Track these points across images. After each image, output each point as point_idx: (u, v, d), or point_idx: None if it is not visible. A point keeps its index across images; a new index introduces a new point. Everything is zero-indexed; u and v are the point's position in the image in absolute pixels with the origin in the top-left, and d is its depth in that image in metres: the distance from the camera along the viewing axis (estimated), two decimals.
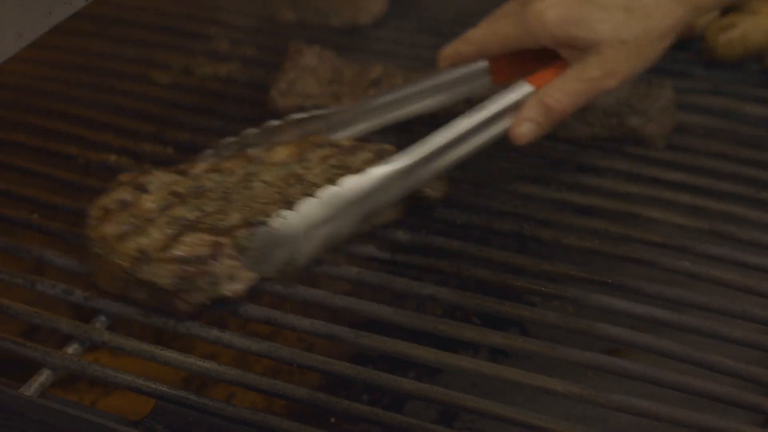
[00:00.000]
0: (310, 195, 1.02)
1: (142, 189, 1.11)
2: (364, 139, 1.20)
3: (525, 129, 1.08)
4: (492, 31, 1.14)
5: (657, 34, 1.07)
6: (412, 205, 1.17)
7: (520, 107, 1.09)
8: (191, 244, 1.04)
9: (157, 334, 1.25)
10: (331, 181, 1.06)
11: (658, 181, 1.27)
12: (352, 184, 1.03)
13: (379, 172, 1.04)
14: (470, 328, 1.03)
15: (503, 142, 1.29)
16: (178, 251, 1.03)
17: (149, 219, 1.07)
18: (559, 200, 1.23)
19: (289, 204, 1.05)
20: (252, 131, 1.21)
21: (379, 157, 1.14)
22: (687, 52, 1.54)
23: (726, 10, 1.56)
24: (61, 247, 1.17)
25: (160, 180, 1.13)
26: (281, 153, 1.17)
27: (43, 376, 1.00)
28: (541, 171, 1.28)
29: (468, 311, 1.15)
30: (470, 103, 1.16)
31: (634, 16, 1.06)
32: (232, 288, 1.04)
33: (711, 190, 1.25)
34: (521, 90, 1.10)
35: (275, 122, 1.21)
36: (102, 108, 1.44)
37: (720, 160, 1.31)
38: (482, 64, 1.17)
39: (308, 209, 1.02)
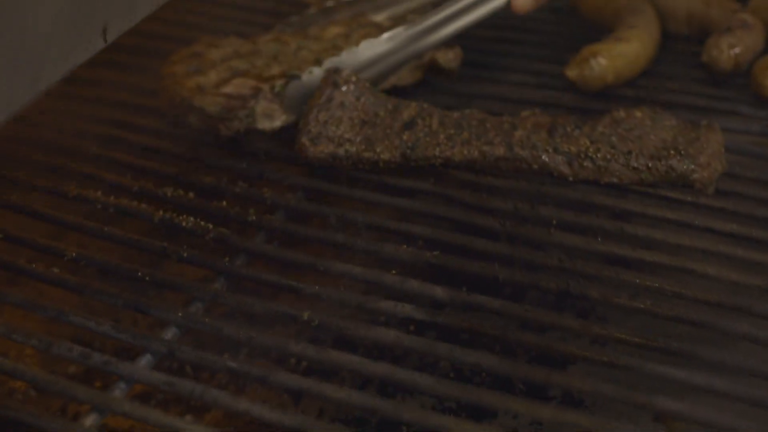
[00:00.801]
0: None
1: (214, 46, 1.44)
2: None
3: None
4: None
5: None
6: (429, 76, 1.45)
7: None
8: (237, 85, 1.34)
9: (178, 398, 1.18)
10: None
11: (710, 231, 1.19)
12: (369, 43, 1.36)
13: (392, 34, 1.36)
14: (517, 401, 0.96)
15: (544, 191, 1.23)
16: (227, 89, 1.33)
17: (211, 65, 1.38)
18: (606, 253, 1.15)
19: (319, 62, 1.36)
20: (311, 12, 1.54)
21: None
22: (733, 89, 1.47)
23: None
24: (79, 303, 1.11)
25: (230, 42, 1.45)
26: (332, 31, 1.46)
27: None
28: (584, 219, 1.20)
29: (516, 380, 1.07)
30: None
31: None
32: (266, 124, 1.32)
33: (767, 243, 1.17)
34: None
35: (330, 3, 1.55)
36: (122, 147, 1.37)
37: None
38: None
39: (331, 65, 1.32)
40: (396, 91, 1.40)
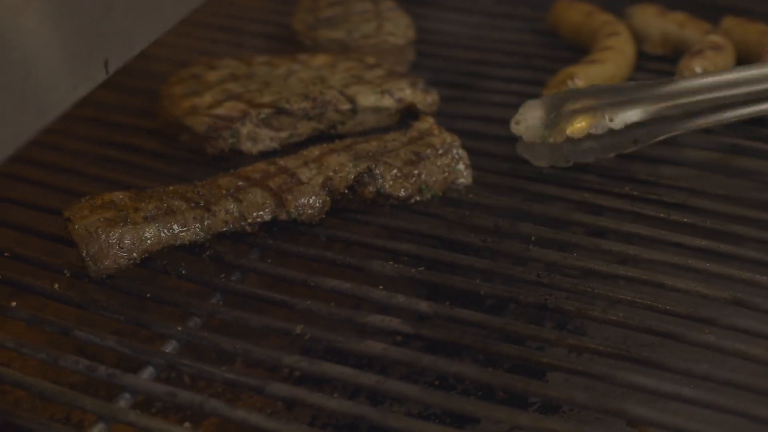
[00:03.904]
0: None
1: (212, 67, 1.55)
2: None
3: None
4: None
5: None
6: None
7: None
8: (227, 107, 1.44)
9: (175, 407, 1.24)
10: (346, 86, 1.48)
11: (680, 246, 1.25)
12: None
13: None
14: (498, 408, 1.02)
15: (524, 208, 1.29)
16: (217, 110, 1.43)
17: (208, 87, 1.49)
18: (582, 268, 1.22)
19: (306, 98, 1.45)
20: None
21: (390, 75, 1.52)
22: None
23: None
24: (82, 318, 1.17)
25: (227, 64, 1.56)
26: (319, 60, 1.56)
27: None
28: (562, 236, 1.27)
29: (497, 389, 1.14)
30: None
31: None
32: (249, 146, 1.43)
33: (735, 257, 1.24)
34: None
35: None
36: (119, 167, 1.44)
37: (743, 224, 1.29)
38: None
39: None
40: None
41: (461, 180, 1.33)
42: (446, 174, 1.32)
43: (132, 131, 1.53)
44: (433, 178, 1.31)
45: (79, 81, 1.06)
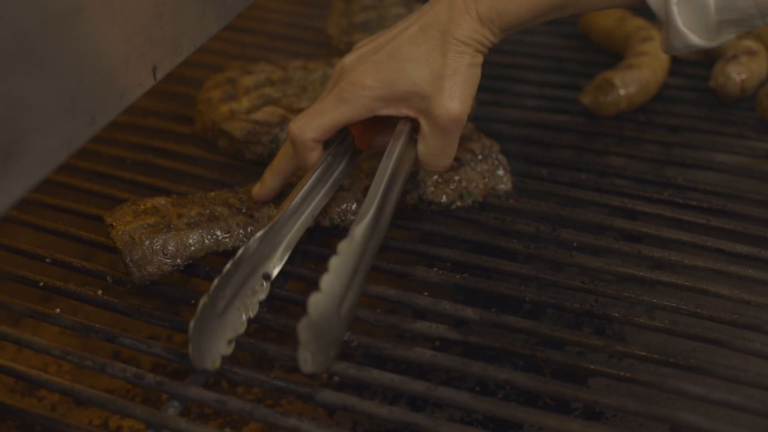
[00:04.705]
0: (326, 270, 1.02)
1: (247, 72, 1.55)
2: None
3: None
4: (327, 122, 1.17)
5: (467, 62, 1.14)
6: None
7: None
8: (266, 113, 1.43)
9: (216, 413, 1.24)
10: None
11: (722, 252, 1.26)
12: (344, 247, 1.05)
13: (359, 230, 1.07)
14: (549, 416, 1.02)
15: (564, 214, 1.29)
16: (256, 116, 1.43)
17: (245, 92, 1.49)
18: (625, 275, 1.22)
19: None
20: None
21: None
22: (740, 114, 1.54)
23: None
24: (122, 324, 1.18)
25: (262, 69, 1.56)
26: None
27: None
28: (603, 242, 1.27)
29: (543, 395, 1.14)
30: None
31: (440, 54, 1.12)
32: None
33: None
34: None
35: None
36: (156, 173, 1.44)
37: None
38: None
39: (330, 288, 1.02)
40: None
41: (501, 186, 1.34)
42: (486, 179, 1.32)
43: (168, 136, 1.53)
44: (474, 184, 1.31)
45: (129, 87, 1.07)
